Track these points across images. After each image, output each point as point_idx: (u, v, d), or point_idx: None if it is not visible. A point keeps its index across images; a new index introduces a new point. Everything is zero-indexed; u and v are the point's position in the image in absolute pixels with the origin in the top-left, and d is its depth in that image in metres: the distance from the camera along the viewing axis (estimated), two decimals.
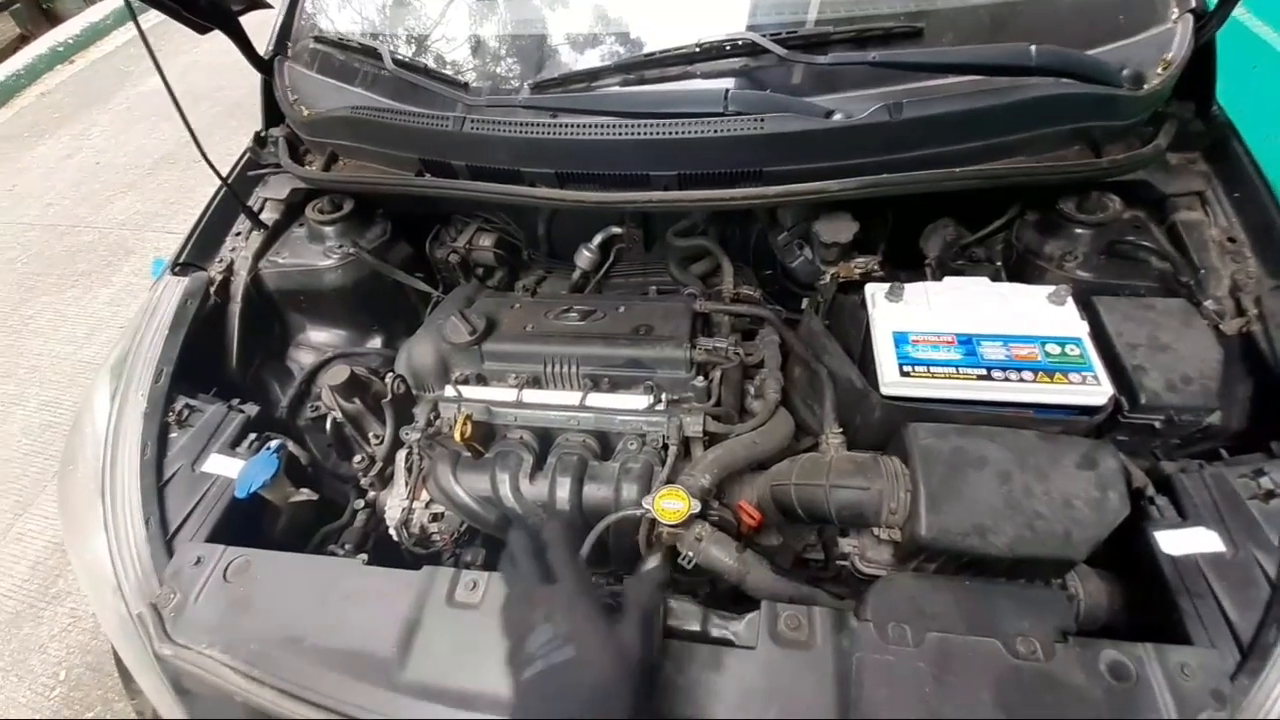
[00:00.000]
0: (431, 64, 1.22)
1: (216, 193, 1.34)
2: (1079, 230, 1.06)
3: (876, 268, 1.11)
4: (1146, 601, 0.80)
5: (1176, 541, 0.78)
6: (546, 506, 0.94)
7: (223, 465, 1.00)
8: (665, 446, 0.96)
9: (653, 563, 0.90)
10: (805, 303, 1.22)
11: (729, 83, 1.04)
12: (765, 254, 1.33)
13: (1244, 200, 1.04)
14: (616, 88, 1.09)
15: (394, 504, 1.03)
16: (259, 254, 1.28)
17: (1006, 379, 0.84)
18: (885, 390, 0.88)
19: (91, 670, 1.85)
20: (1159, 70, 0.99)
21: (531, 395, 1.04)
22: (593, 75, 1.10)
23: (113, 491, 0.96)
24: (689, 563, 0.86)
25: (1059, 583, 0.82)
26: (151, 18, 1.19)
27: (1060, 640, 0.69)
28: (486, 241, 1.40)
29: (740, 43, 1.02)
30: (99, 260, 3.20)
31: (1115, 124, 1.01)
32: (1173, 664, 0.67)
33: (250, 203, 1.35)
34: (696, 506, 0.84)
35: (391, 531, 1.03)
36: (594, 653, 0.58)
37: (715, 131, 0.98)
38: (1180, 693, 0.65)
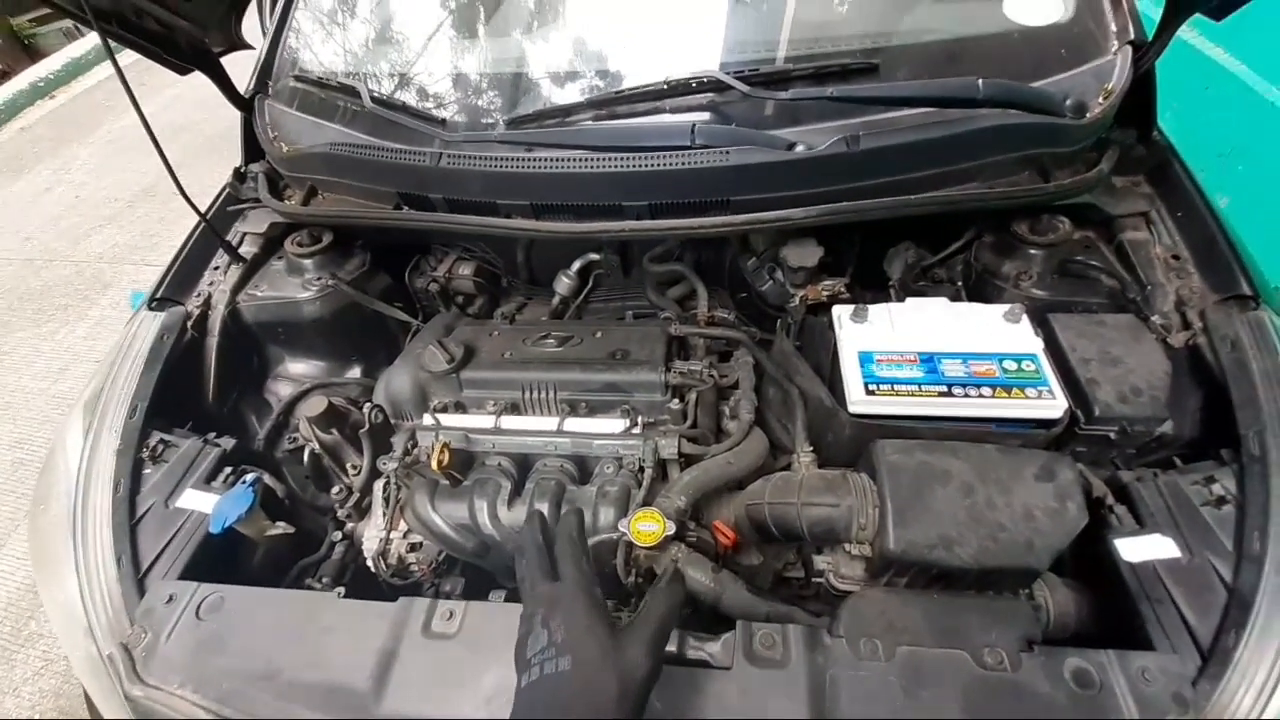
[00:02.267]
0: (409, 101, 1.26)
1: (195, 227, 1.36)
2: (1033, 251, 1.11)
3: (843, 289, 1.15)
4: (1111, 608, 0.82)
5: (1135, 549, 0.80)
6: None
7: (197, 500, 0.99)
8: (641, 469, 0.97)
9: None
10: (780, 324, 1.25)
11: (697, 117, 1.08)
12: (740, 278, 1.37)
13: (1186, 219, 1.10)
14: (589, 123, 1.13)
15: (371, 535, 1.03)
16: (237, 288, 1.29)
17: (966, 395, 0.87)
18: (852, 409, 0.90)
19: (64, 714, 1.78)
20: (1100, 100, 1.05)
21: (509, 422, 1.06)
22: (566, 111, 1.14)
23: (84, 530, 0.95)
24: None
25: (1027, 593, 0.84)
26: (133, 53, 1.21)
27: (1026, 650, 0.71)
28: (466, 270, 1.42)
29: (706, 80, 1.07)
30: (76, 294, 3.18)
31: (1061, 150, 1.07)
32: (1134, 669, 0.69)
33: (229, 237, 1.36)
34: (672, 528, 0.85)
35: (369, 562, 1.03)
36: (591, 669, 0.55)
37: (683, 164, 1.02)
38: (1142, 697, 0.67)
